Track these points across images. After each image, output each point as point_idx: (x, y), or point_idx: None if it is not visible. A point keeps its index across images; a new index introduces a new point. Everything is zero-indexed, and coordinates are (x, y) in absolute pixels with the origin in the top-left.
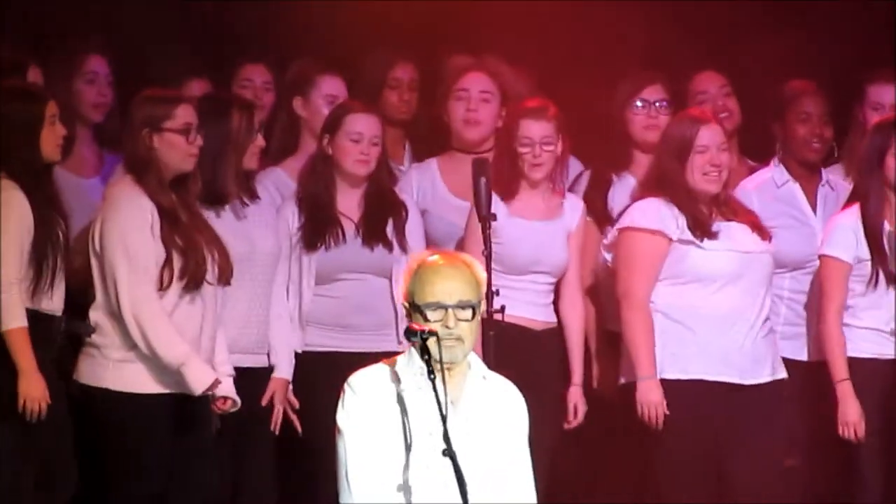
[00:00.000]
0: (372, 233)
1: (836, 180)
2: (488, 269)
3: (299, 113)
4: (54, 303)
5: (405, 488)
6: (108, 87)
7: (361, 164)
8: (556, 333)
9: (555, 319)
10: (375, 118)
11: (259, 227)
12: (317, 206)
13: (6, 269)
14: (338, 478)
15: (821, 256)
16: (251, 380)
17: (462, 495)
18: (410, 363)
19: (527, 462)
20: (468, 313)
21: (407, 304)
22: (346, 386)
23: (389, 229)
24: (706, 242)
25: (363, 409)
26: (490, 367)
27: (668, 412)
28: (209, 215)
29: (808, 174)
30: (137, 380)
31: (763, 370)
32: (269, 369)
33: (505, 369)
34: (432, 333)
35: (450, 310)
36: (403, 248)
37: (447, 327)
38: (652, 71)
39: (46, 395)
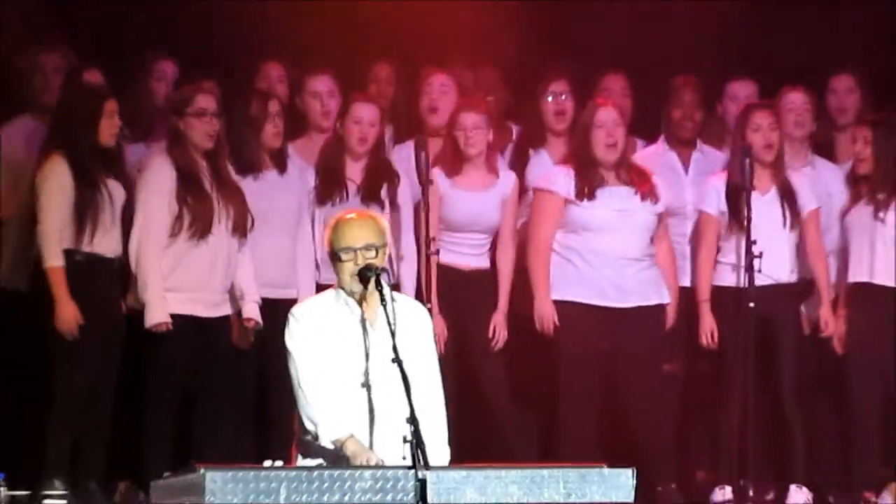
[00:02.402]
0: (368, 193)
1: (709, 149)
2: (426, 222)
3: (300, 106)
4: (102, 246)
5: (345, 397)
6: (174, 84)
7: (361, 141)
8: (485, 275)
9: (484, 265)
10: (374, 106)
11: (282, 191)
12: (328, 172)
13: (46, 222)
14: (294, 391)
15: (699, 211)
16: (275, 308)
17: (407, 392)
18: (338, 296)
19: (434, 362)
20: (372, 253)
21: (328, 250)
22: (289, 316)
23: (384, 192)
24: (584, 202)
25: (305, 333)
26: (429, 291)
27: (557, 324)
28: (248, 181)
29: (683, 146)
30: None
31: (634, 297)
32: (289, 301)
33: (442, 300)
34: (384, 270)
35: (358, 251)
36: (394, 206)
37: (356, 264)
38: (559, 68)
39: (78, 318)
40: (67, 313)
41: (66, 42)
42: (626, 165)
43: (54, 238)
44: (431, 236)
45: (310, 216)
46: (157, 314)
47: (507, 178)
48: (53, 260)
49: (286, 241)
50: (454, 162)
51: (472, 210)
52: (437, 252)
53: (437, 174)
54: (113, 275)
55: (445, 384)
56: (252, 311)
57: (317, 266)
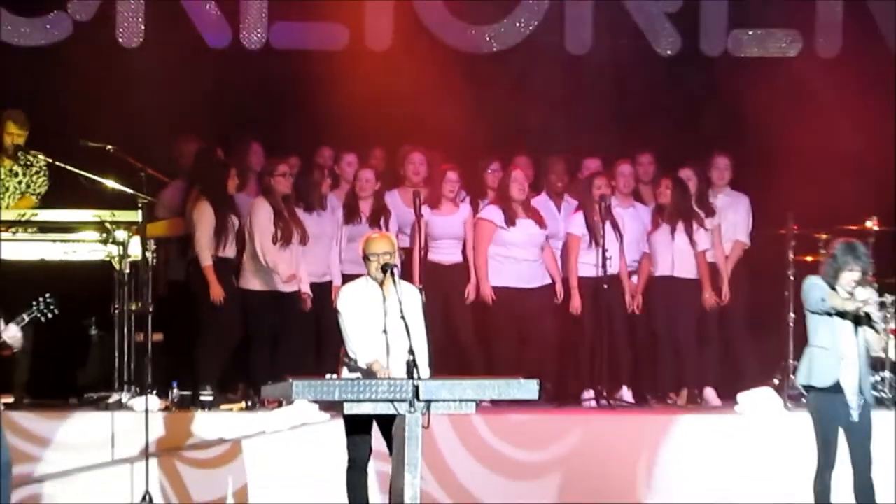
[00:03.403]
0: (373, 221)
1: (572, 199)
2: (419, 237)
3: (337, 171)
4: (228, 252)
5: (372, 338)
6: (262, 157)
7: (367, 192)
8: (459, 266)
9: (458, 259)
10: (373, 171)
11: (325, 219)
12: (349, 209)
13: (202, 240)
14: (342, 334)
15: (567, 233)
16: (319, 287)
17: (408, 335)
18: (367, 280)
19: (421, 321)
20: (388, 256)
21: (361, 254)
22: (340, 292)
23: (382, 221)
24: (510, 228)
25: (349, 301)
26: (421, 279)
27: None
28: (308, 215)
29: (557, 197)
30: (254, 282)
31: (536, 282)
32: (327, 284)
33: (429, 283)
34: (395, 266)
35: (380, 255)
36: (387, 230)
37: (379, 263)
38: (492, 152)
39: (222, 294)
40: (217, 292)
41: (198, 133)
42: (529, 207)
43: (207, 249)
44: (423, 245)
45: (339, 232)
46: (289, 274)
47: (464, 208)
48: (207, 261)
49: (326, 249)
50: (438, 200)
51: (446, 228)
52: (427, 254)
53: (424, 209)
54: (231, 269)
55: (434, 332)
56: (306, 288)
57: (340, 261)
